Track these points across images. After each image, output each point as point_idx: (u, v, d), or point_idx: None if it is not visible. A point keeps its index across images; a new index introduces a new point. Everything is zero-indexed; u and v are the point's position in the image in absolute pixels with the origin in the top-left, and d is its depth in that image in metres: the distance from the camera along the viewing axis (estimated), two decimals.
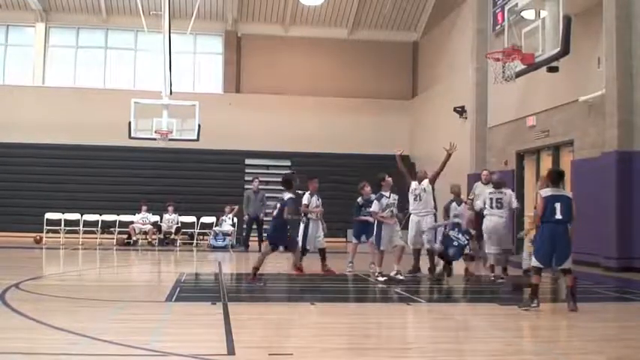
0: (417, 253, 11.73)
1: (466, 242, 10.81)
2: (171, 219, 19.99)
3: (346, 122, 24.80)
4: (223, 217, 19.58)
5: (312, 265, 11.76)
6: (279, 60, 25.53)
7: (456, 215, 11.63)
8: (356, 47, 25.91)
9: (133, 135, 20.02)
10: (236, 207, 19.57)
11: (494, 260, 10.43)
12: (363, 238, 12.13)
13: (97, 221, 20.08)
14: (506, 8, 14.11)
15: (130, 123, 19.80)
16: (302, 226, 11.91)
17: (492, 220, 10.38)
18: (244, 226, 18.70)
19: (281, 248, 10.89)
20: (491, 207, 10.45)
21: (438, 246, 11.27)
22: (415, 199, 11.46)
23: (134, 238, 19.49)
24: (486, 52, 16.37)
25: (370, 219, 11.51)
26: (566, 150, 15.49)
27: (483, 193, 12.83)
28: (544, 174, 10.76)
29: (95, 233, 19.63)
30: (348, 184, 18.30)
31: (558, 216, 7.78)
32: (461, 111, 20.33)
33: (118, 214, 20.23)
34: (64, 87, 24.58)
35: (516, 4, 13.67)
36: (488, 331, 6.76)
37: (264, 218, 18.81)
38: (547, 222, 7.82)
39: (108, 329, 6.17)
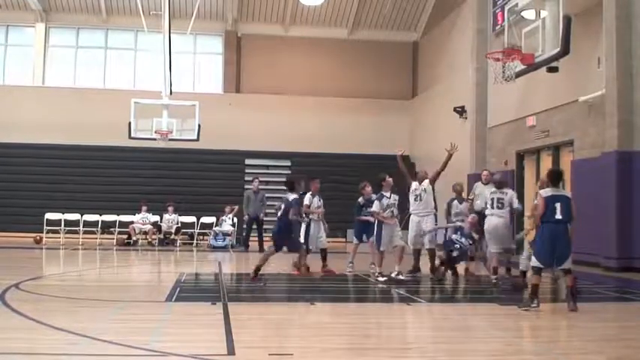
0: (416, 253, 11.71)
1: (469, 246, 10.77)
2: (171, 219, 20.00)
3: (346, 122, 24.80)
4: (223, 217, 19.58)
5: (312, 265, 11.74)
6: (279, 60, 25.54)
7: (457, 213, 11.68)
8: (356, 47, 25.92)
9: (132, 135, 20.03)
10: (236, 207, 19.57)
11: (496, 261, 10.41)
12: (364, 238, 12.12)
13: (97, 221, 20.09)
14: (506, 8, 14.11)
15: (130, 123, 19.81)
16: (303, 226, 11.91)
17: (493, 220, 10.36)
18: (244, 226, 18.70)
19: (285, 249, 10.88)
20: (492, 207, 10.41)
21: (440, 252, 11.26)
22: (416, 200, 11.46)
23: (134, 238, 19.49)
24: (486, 52, 16.37)
25: (371, 219, 11.50)
26: (566, 150, 15.50)
27: (483, 193, 12.87)
28: (544, 176, 10.76)
29: (95, 233, 19.63)
30: (348, 184, 18.32)
31: (558, 216, 7.78)
32: (461, 111, 20.34)
33: (118, 214, 20.24)
34: (63, 87, 24.59)
35: (516, 4, 13.68)
36: (488, 331, 6.75)
37: (264, 218, 18.83)
38: (547, 222, 7.81)
39: (108, 329, 6.17)
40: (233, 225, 19.63)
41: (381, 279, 10.59)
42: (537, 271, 7.90)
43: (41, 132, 23.29)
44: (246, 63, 25.87)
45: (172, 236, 19.81)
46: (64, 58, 25.35)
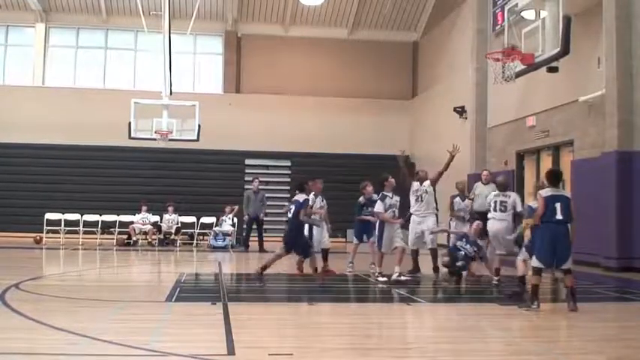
0: (415, 253, 11.70)
1: (473, 254, 10.74)
2: (171, 219, 20.00)
3: (346, 122, 24.80)
4: (223, 217, 19.58)
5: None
6: (279, 60, 25.54)
7: (459, 210, 11.71)
8: (356, 47, 25.92)
9: (132, 135, 20.03)
10: (236, 207, 19.57)
11: (498, 262, 10.40)
12: (364, 238, 12.12)
13: (97, 221, 20.10)
14: (506, 8, 14.11)
15: (130, 123, 19.80)
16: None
17: (495, 224, 10.26)
18: (244, 226, 18.69)
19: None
20: (495, 210, 10.30)
21: (446, 258, 11.26)
22: (417, 200, 11.43)
23: (134, 239, 19.49)
24: (486, 52, 16.37)
25: (372, 218, 11.51)
26: (566, 150, 15.49)
27: (483, 193, 12.87)
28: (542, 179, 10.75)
29: (95, 233, 19.64)
30: (348, 184, 18.30)
31: (559, 216, 7.77)
32: (461, 111, 20.34)
33: (118, 215, 20.25)
34: (63, 87, 24.58)
35: (516, 4, 13.67)
36: (489, 331, 6.75)
37: (264, 218, 18.84)
38: (547, 222, 7.81)
39: (108, 329, 6.17)
40: (233, 225, 19.63)
41: (381, 279, 10.59)
42: (537, 271, 7.89)
43: (41, 132, 23.29)
44: (246, 63, 25.87)
45: (172, 236, 19.81)
46: (64, 58, 25.35)
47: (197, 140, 20.29)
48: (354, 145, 24.50)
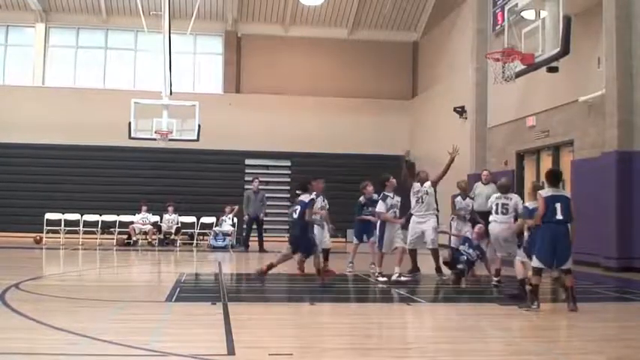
0: (413, 253, 11.69)
1: (476, 258, 10.72)
2: (171, 219, 20.00)
3: (346, 122, 24.79)
4: (223, 217, 19.58)
5: (311, 265, 11.73)
6: (279, 60, 25.53)
7: (460, 209, 11.73)
8: (356, 47, 25.91)
9: (132, 135, 20.02)
10: (236, 207, 19.57)
11: (499, 263, 10.38)
12: (364, 238, 12.11)
13: (97, 221, 20.12)
14: (506, 8, 14.12)
15: (129, 123, 19.80)
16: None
17: (496, 226, 10.19)
18: (244, 226, 18.69)
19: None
20: (497, 212, 10.19)
21: (445, 254, 11.26)
22: (418, 202, 11.38)
23: (134, 239, 19.50)
24: (486, 52, 16.37)
25: (372, 218, 11.51)
26: (566, 150, 15.49)
27: (483, 193, 12.89)
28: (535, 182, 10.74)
29: (95, 233, 19.65)
30: (348, 184, 18.30)
31: (559, 216, 7.77)
32: (461, 111, 20.34)
33: (118, 215, 20.26)
34: (63, 87, 24.57)
35: (516, 4, 13.68)
36: (488, 331, 6.76)
37: (264, 218, 18.84)
38: (548, 222, 7.80)
39: (108, 329, 6.17)
40: (233, 225, 19.63)
41: (381, 279, 10.59)
42: (538, 271, 7.88)
43: (41, 132, 23.28)
44: (246, 63, 25.86)
45: (172, 236, 19.81)
46: (64, 58, 25.33)
47: (197, 140, 20.29)
48: (354, 145, 24.49)
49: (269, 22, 25.91)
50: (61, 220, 19.80)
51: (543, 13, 13.03)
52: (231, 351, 5.35)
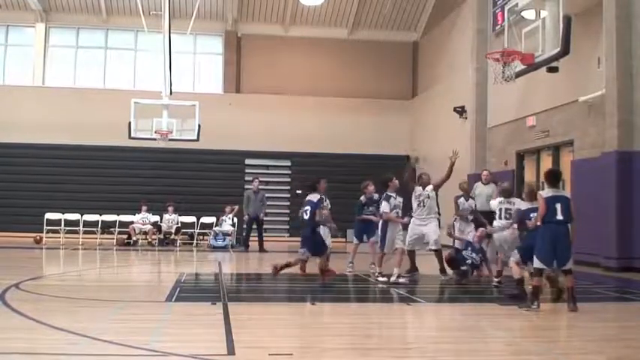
0: (412, 254, 11.66)
1: (479, 261, 10.78)
2: (171, 219, 20.00)
3: (346, 122, 24.79)
4: (223, 217, 19.58)
5: (311, 265, 11.73)
6: (279, 60, 25.53)
7: (463, 209, 11.75)
8: (356, 47, 25.91)
9: (133, 135, 20.02)
10: (236, 207, 19.57)
11: (500, 264, 10.37)
12: (364, 238, 12.10)
13: (97, 221, 20.11)
14: (506, 8, 14.11)
15: (130, 123, 19.80)
16: None
17: (500, 234, 10.18)
18: (244, 226, 18.69)
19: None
20: (500, 217, 10.21)
21: (449, 252, 11.26)
22: (419, 205, 11.26)
23: (134, 238, 19.50)
24: (486, 52, 16.37)
25: (374, 218, 11.48)
26: (566, 150, 15.49)
27: (483, 193, 12.89)
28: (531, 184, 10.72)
29: (95, 233, 19.65)
30: (348, 184, 18.30)
31: (559, 217, 7.76)
32: (461, 111, 20.34)
33: (118, 214, 20.26)
34: (64, 87, 24.56)
35: (516, 4, 13.68)
36: (488, 331, 6.76)
37: (264, 218, 18.84)
38: (548, 223, 7.80)
39: (108, 329, 6.17)
40: (233, 225, 19.63)
41: (381, 279, 10.58)
42: (538, 272, 7.88)
43: (41, 132, 23.28)
44: (246, 63, 25.86)
45: (172, 236, 19.81)
46: (64, 58, 25.33)
47: (197, 140, 20.29)
48: (354, 145, 24.49)
49: (269, 22, 25.91)
50: (61, 219, 19.80)
51: (543, 13, 13.03)
52: (231, 351, 5.35)
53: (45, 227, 19.54)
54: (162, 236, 19.76)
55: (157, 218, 20.04)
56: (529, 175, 16.91)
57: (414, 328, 7.23)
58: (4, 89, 24.30)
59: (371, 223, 11.80)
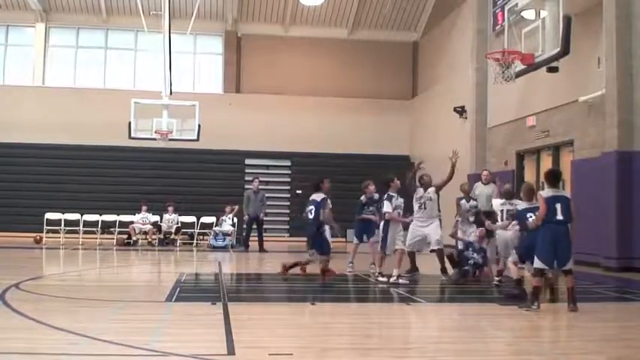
0: (412, 254, 11.65)
1: (482, 261, 10.81)
2: (171, 219, 19.99)
3: (346, 122, 24.80)
4: (223, 217, 19.57)
5: (312, 265, 11.74)
6: (279, 60, 25.54)
7: (466, 210, 11.76)
8: (356, 47, 25.92)
9: (133, 135, 20.04)
10: (236, 207, 19.56)
11: (502, 264, 10.36)
12: (364, 238, 12.09)
13: (97, 221, 20.09)
14: (506, 8, 14.12)
15: (130, 123, 19.82)
16: None
17: (503, 234, 10.18)
18: (244, 226, 18.69)
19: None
20: (502, 219, 10.25)
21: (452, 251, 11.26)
22: (420, 207, 11.21)
23: (134, 238, 19.49)
24: (486, 52, 16.37)
25: (374, 218, 11.46)
26: (566, 150, 15.50)
27: (483, 193, 12.88)
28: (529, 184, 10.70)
29: (95, 233, 19.64)
30: (348, 184, 18.30)
31: (559, 217, 7.76)
32: (461, 111, 20.34)
33: (118, 214, 20.24)
34: (64, 87, 24.60)
35: (516, 4, 13.68)
36: (488, 331, 6.76)
37: (264, 218, 18.83)
38: (548, 223, 7.79)
39: (108, 329, 6.17)
40: (233, 225, 19.62)
41: (381, 279, 10.58)
42: (539, 272, 7.88)
43: (41, 132, 23.30)
44: (246, 63, 25.88)
45: (172, 236, 19.80)
46: (64, 58, 25.35)
47: (197, 140, 20.30)
48: (355, 145, 24.51)
49: (269, 22, 25.92)
50: (61, 219, 19.78)
51: (543, 13, 13.03)
52: (231, 351, 5.35)
53: (45, 227, 19.53)
54: (162, 236, 19.75)
55: (157, 218, 20.03)
56: (529, 175, 16.91)
57: (414, 328, 7.23)
58: (4, 89, 24.32)
59: (371, 222, 11.79)
